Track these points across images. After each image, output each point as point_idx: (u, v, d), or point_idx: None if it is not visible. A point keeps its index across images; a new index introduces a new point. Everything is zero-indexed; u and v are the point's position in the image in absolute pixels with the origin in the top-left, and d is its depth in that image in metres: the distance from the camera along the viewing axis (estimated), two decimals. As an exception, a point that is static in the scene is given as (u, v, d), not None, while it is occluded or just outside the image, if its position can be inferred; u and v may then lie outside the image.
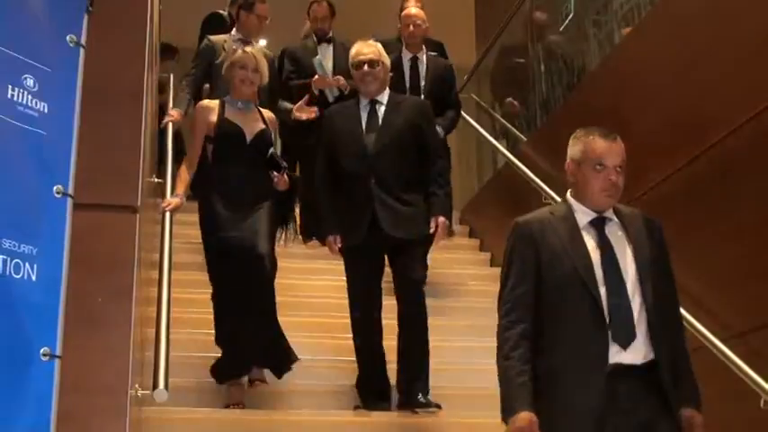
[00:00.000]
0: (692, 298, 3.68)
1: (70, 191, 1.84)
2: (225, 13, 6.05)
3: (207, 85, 4.91)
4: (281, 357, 3.84)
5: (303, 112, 4.74)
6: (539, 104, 6.02)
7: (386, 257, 3.81)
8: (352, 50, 4.04)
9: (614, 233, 2.31)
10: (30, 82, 1.79)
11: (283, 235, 3.99)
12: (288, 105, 5.01)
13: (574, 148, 2.46)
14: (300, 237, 4.94)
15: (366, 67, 3.86)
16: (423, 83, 5.09)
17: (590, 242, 2.30)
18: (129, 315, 2.04)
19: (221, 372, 3.76)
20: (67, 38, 1.90)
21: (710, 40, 3.79)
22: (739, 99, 3.51)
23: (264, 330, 3.73)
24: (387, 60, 4.04)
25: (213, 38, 5.22)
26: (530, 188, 5.05)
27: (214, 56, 4.95)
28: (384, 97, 3.94)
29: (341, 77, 5.14)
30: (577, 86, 5.49)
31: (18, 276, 1.72)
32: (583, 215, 2.37)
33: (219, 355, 3.72)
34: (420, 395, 3.59)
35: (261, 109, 4.14)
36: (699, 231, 3.76)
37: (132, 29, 2.05)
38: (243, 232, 3.61)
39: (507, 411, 2.17)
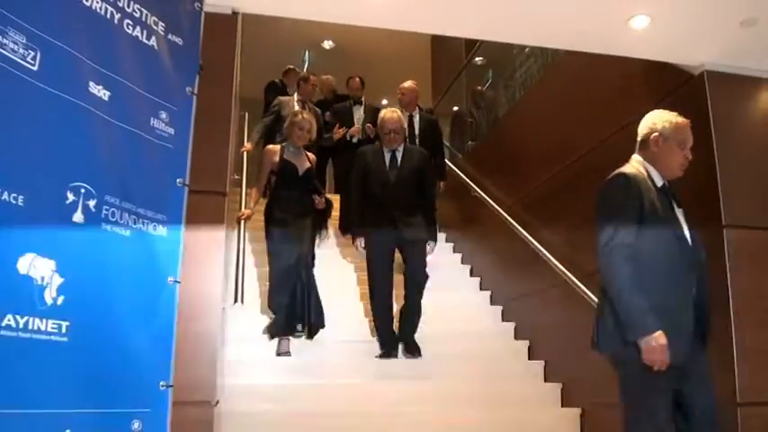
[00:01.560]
0: (560, 252, 4.76)
1: (187, 182, 2.54)
2: (278, 81, 7.96)
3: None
4: (315, 324, 4.74)
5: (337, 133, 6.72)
6: (470, 135, 7.57)
7: (395, 252, 4.92)
8: (381, 115, 5.06)
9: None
10: (164, 115, 2.46)
11: (318, 236, 5.09)
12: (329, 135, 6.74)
13: (665, 126, 2.86)
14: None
15: (392, 134, 4.97)
16: (417, 132, 6.34)
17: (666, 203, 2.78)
18: (221, 258, 2.76)
19: (273, 330, 4.68)
20: (187, 89, 2.59)
21: (571, 99, 4.90)
22: (588, 135, 4.56)
23: (304, 304, 4.69)
24: (405, 124, 5.16)
25: (282, 98, 6.66)
26: (463, 186, 6.51)
27: (281, 110, 6.34)
28: (401, 147, 5.05)
29: (370, 126, 6.45)
30: (494, 125, 6.84)
31: (155, 233, 2.40)
32: (657, 179, 2.82)
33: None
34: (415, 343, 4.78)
35: (307, 152, 5.15)
36: (564, 213, 4.84)
37: (224, 83, 2.80)
38: (292, 234, 4.76)
39: (638, 330, 2.50)
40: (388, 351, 4.78)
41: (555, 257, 4.75)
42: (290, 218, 4.87)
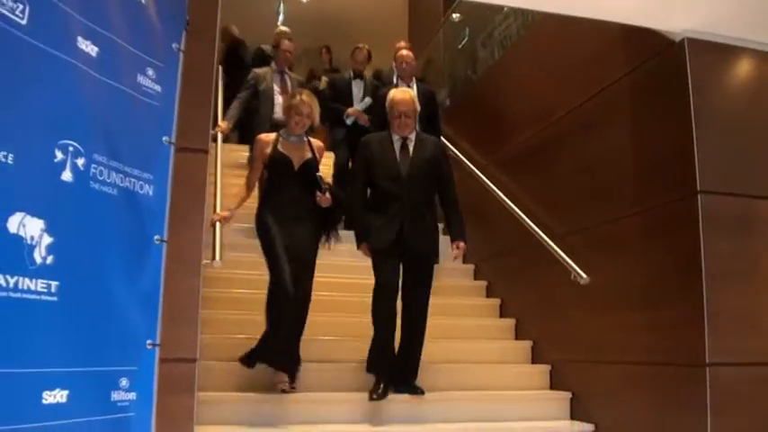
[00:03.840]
0: (535, 215, 4.84)
1: (173, 140, 2.53)
2: (268, 48, 7.24)
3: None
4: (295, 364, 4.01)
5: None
6: (447, 94, 7.31)
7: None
8: (390, 96, 4.31)
9: None
10: (151, 72, 2.43)
11: (327, 242, 4.25)
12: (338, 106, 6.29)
13: None
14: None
15: (402, 118, 4.20)
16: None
17: None
18: (203, 215, 2.72)
19: (262, 357, 3.94)
20: (173, 45, 2.56)
21: (548, 61, 4.91)
22: (565, 98, 4.60)
23: (295, 343, 3.98)
24: (418, 107, 4.34)
25: (257, 70, 6.19)
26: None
27: (258, 84, 6.00)
28: (412, 135, 4.28)
29: (366, 117, 6.08)
30: (472, 84, 6.70)
31: (142, 192, 2.39)
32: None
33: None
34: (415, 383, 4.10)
35: (311, 139, 4.31)
36: (541, 171, 4.93)
37: (208, 40, 2.70)
38: (287, 245, 3.94)
39: None
40: (383, 388, 4.04)
41: (529, 218, 4.81)
42: (284, 225, 4.05)
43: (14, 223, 1.97)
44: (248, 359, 3.97)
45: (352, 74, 6.63)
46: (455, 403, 4.15)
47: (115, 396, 2.27)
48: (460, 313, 5.02)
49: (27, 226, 2.00)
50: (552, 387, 4.56)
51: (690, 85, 3.58)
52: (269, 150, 4.17)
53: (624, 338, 3.89)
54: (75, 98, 2.17)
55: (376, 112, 5.67)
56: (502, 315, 5.26)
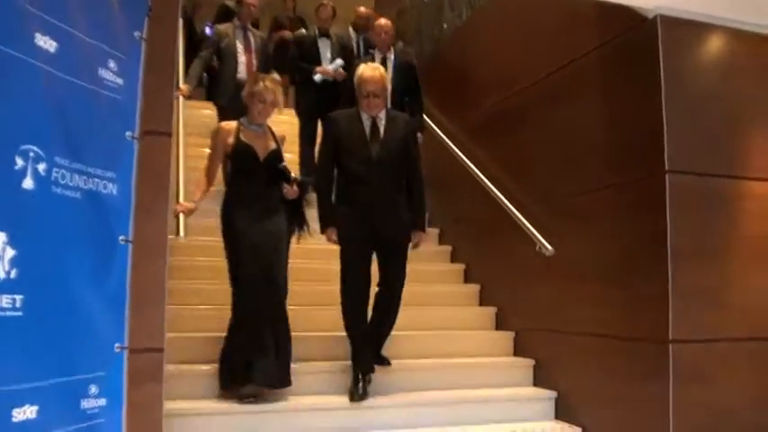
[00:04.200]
0: (502, 183, 4.84)
1: (136, 135, 2.43)
2: (232, 4, 6.67)
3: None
4: (281, 377, 3.74)
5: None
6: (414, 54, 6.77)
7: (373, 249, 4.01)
8: (359, 74, 4.06)
9: None
10: (112, 64, 2.31)
11: (298, 234, 4.02)
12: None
13: None
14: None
15: (371, 98, 3.98)
16: (390, 76, 5.24)
17: None
18: (167, 202, 2.66)
19: (222, 381, 3.74)
20: (135, 34, 2.44)
21: (518, 29, 4.85)
22: (533, 67, 4.59)
23: (267, 352, 3.67)
24: (388, 85, 4.16)
25: (219, 27, 5.96)
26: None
27: (220, 41, 5.77)
28: (383, 113, 4.07)
29: (342, 72, 5.87)
30: (439, 43, 6.65)
31: (105, 192, 2.31)
32: None
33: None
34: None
35: (272, 128, 4.04)
36: (509, 138, 4.94)
37: (170, 23, 2.59)
38: (258, 243, 3.70)
39: None
40: (363, 376, 3.97)
41: (495, 186, 4.82)
42: (253, 221, 3.79)
43: (-25, 238, 1.87)
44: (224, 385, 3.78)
45: (317, 32, 6.34)
46: (420, 372, 4.23)
47: (85, 404, 2.24)
48: (424, 279, 5.03)
49: (-12, 241, 1.91)
50: (516, 354, 4.65)
51: (661, 64, 3.58)
52: (231, 140, 3.88)
53: (589, 311, 3.95)
54: (35, 99, 2.06)
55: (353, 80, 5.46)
56: (466, 281, 5.30)
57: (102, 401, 2.27)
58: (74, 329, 2.20)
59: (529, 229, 4.31)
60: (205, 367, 3.83)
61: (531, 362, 4.47)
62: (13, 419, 1.97)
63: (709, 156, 3.60)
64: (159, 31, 2.55)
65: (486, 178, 4.90)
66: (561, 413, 4.18)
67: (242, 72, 5.81)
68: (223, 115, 5.53)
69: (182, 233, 3.63)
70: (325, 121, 4.30)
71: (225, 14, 6.93)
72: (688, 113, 3.56)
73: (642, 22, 3.66)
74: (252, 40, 6.01)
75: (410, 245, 4.11)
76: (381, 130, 4.07)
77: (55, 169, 2.13)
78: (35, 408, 2.03)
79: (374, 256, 4.08)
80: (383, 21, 5.81)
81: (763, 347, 3.56)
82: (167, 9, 2.60)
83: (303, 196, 4.01)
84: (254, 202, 3.83)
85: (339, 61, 6.02)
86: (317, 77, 5.97)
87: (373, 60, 5.40)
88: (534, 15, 4.65)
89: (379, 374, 4.07)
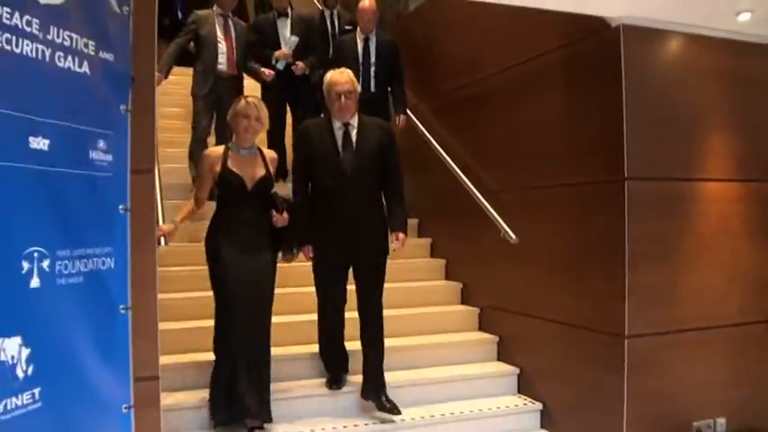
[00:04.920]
0: (469, 167, 5.04)
1: (128, 206, 2.52)
2: None
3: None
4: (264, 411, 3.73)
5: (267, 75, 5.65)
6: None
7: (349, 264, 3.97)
8: (327, 79, 3.95)
9: None
10: (101, 144, 2.38)
11: (285, 258, 3.91)
12: (257, 67, 5.77)
13: None
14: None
15: (343, 99, 3.84)
16: (373, 59, 5.46)
17: None
18: (153, 236, 2.77)
19: (213, 416, 3.72)
20: (121, 107, 2.49)
21: (486, 8, 4.54)
22: (498, 57, 4.74)
23: (248, 386, 3.66)
24: (358, 88, 3.98)
25: (199, 12, 5.71)
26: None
27: (199, 28, 5.59)
28: (354, 120, 3.92)
29: (300, 64, 5.76)
30: (401, 17, 6.65)
31: (104, 267, 2.43)
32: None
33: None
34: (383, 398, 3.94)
35: (263, 150, 3.93)
36: (476, 124, 5.08)
37: (145, 59, 2.64)
38: (244, 277, 3.65)
39: None
40: (337, 376, 4.18)
41: (463, 171, 5.01)
42: (240, 253, 3.73)
43: (-5, 351, 2.03)
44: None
45: (276, 13, 6.12)
46: (389, 351, 4.34)
47: (98, 466, 2.43)
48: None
49: (6, 349, 2.07)
50: (481, 329, 4.96)
51: (623, 72, 3.75)
52: (218, 168, 3.77)
53: (551, 298, 4.27)
54: (33, 202, 2.16)
55: (335, 63, 5.27)
56: (433, 255, 5.53)
57: (114, 459, 2.48)
58: (85, 401, 2.38)
59: (495, 217, 4.52)
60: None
61: (495, 338, 4.75)
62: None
63: (667, 160, 3.83)
64: (140, 81, 2.62)
65: (453, 161, 5.06)
66: (523, 389, 4.53)
67: (222, 63, 5.71)
68: (198, 106, 5.58)
69: (162, 243, 3.71)
70: (297, 134, 4.20)
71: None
72: (647, 120, 3.76)
73: (606, 29, 3.80)
74: (232, 28, 5.82)
75: (391, 247, 4.03)
76: (354, 138, 3.95)
77: (58, 262, 2.25)
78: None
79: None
80: (367, 3, 5.66)
81: (709, 337, 3.93)
82: (143, 42, 2.65)
83: (293, 219, 3.87)
84: (242, 232, 3.75)
85: (293, 38, 5.86)
86: (280, 65, 5.82)
87: (354, 39, 5.52)
88: (502, 12, 4.66)
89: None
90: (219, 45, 5.69)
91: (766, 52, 4.13)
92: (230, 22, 5.80)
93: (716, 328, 3.98)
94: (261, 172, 3.83)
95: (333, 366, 4.19)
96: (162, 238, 3.59)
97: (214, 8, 5.75)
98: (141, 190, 2.72)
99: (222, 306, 3.73)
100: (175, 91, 6.31)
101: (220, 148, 3.89)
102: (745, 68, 4.03)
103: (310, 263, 4.05)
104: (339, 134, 3.95)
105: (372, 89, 5.47)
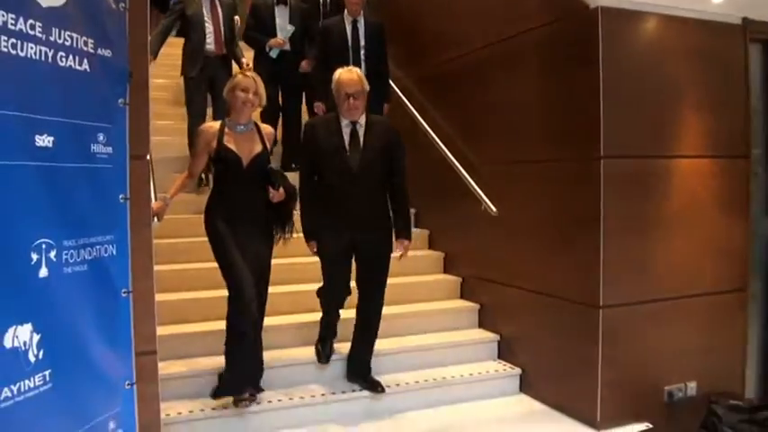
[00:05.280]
0: (452, 140, 5.23)
1: (128, 195, 2.65)
2: None
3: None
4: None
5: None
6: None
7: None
8: (336, 77, 3.99)
9: None
10: (102, 137, 2.49)
11: (283, 237, 3.99)
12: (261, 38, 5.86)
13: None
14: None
15: (351, 100, 3.88)
16: (363, 43, 5.45)
17: None
18: (149, 219, 2.92)
19: (229, 390, 3.82)
20: (119, 101, 2.60)
21: None
22: (484, 30, 4.86)
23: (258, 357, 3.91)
24: (366, 87, 4.00)
25: None
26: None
27: (186, 9, 5.64)
28: (362, 119, 3.98)
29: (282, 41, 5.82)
30: None
31: (107, 255, 2.57)
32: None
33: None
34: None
35: (259, 126, 3.91)
36: (459, 98, 5.25)
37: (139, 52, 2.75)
38: (243, 254, 3.72)
39: None
40: (329, 336, 4.37)
41: (446, 144, 5.20)
42: (235, 224, 3.80)
43: (9, 338, 2.18)
44: (217, 393, 3.92)
45: (275, 0, 6.10)
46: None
47: (107, 440, 2.62)
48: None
49: (19, 336, 2.22)
50: (462, 297, 5.18)
51: (600, 54, 3.89)
52: (214, 144, 3.79)
53: (529, 269, 4.49)
54: (40, 197, 2.28)
55: (321, 48, 5.49)
56: (417, 225, 5.71)
57: (120, 432, 2.67)
58: (92, 380, 2.54)
59: (476, 189, 4.70)
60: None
61: (476, 306, 4.97)
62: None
63: (641, 138, 4.01)
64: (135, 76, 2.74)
65: (436, 135, 5.19)
66: (503, 355, 4.76)
67: (210, 43, 5.74)
68: (190, 88, 5.65)
69: (155, 220, 3.83)
70: (305, 129, 4.23)
71: None
72: (623, 99, 3.94)
73: (584, 10, 3.92)
74: (219, 9, 5.83)
75: (394, 254, 4.12)
76: (361, 137, 3.99)
77: (64, 252, 2.39)
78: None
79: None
80: None
81: (681, 306, 4.19)
82: (137, 36, 2.76)
83: (291, 200, 3.94)
84: (240, 211, 3.79)
85: (290, 27, 5.91)
86: (273, 53, 5.90)
87: (342, 23, 5.49)
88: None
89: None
90: (207, 25, 5.70)
91: (738, 33, 4.29)
92: (216, 2, 5.81)
93: (688, 297, 4.22)
94: (257, 148, 3.86)
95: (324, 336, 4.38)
96: (155, 217, 3.64)
97: None
98: (137, 176, 2.84)
99: (231, 279, 3.78)
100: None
101: (216, 124, 3.89)
102: (718, 48, 4.21)
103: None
104: (346, 132, 4.00)
105: (363, 72, 5.35)
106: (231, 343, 3.79)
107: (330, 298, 4.24)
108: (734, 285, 4.45)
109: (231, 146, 3.79)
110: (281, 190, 3.82)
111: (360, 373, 4.25)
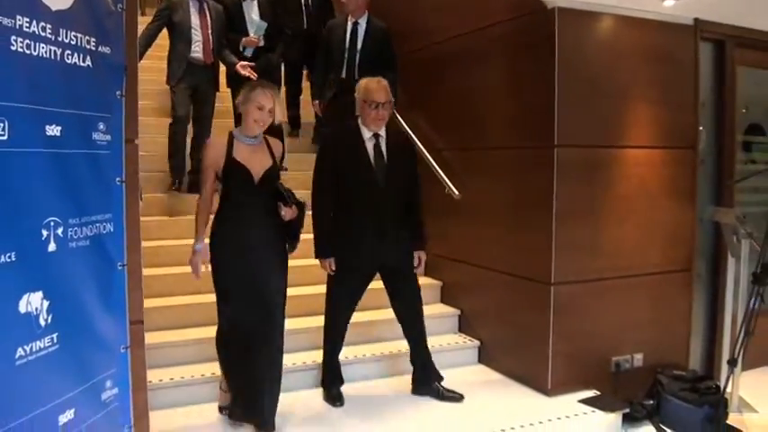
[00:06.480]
0: (418, 127, 5.54)
1: (124, 178, 2.97)
2: None
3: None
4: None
5: (245, 70, 5.55)
6: None
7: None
8: (363, 86, 4.00)
9: None
10: (102, 126, 2.80)
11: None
12: (233, 59, 5.73)
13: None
14: None
15: (380, 110, 3.89)
16: (359, 46, 5.53)
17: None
18: (137, 204, 3.23)
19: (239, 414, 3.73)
20: (117, 93, 2.92)
21: None
22: (451, 22, 5.23)
23: (263, 390, 3.61)
24: (392, 98, 4.04)
25: None
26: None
27: (172, 14, 5.45)
28: (383, 131, 3.99)
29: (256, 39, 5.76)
30: None
31: (105, 232, 2.88)
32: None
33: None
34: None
35: (268, 138, 3.74)
36: (422, 85, 5.62)
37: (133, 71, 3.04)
38: (251, 275, 3.56)
39: None
40: (336, 390, 4.30)
41: (407, 123, 5.58)
42: (247, 248, 3.60)
43: (23, 304, 2.54)
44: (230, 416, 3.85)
45: None
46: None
47: (104, 396, 2.99)
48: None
49: (32, 302, 2.57)
50: (426, 275, 5.55)
51: (556, 51, 4.28)
52: (222, 159, 3.61)
53: (487, 249, 4.92)
54: (50, 181, 2.61)
55: (323, 43, 5.58)
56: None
57: (115, 391, 3.03)
58: (92, 343, 2.90)
59: (439, 173, 5.08)
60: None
61: (439, 283, 5.38)
62: (60, 423, 2.73)
63: (593, 129, 4.43)
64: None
65: (403, 119, 5.57)
66: (463, 328, 5.20)
67: (197, 51, 5.58)
68: (175, 97, 5.58)
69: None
70: (323, 139, 4.18)
71: None
72: (577, 93, 4.35)
73: (543, 10, 4.29)
74: (207, 13, 5.65)
75: (415, 266, 4.22)
76: (384, 151, 4.01)
77: (70, 229, 2.74)
78: (73, 410, 2.78)
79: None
80: None
81: (629, 284, 4.64)
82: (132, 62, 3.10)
83: (301, 217, 3.76)
84: (251, 232, 3.61)
85: (261, 23, 5.87)
86: (248, 51, 5.85)
87: (344, 24, 5.59)
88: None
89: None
90: (194, 32, 5.56)
91: (690, 32, 4.71)
92: (206, 7, 5.63)
93: (635, 276, 4.67)
94: (268, 162, 3.68)
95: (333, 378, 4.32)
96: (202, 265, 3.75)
97: None
98: (129, 158, 3.18)
99: (222, 304, 3.71)
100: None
101: (224, 137, 3.72)
102: (667, 47, 4.60)
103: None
104: (370, 145, 4.01)
105: (356, 77, 5.39)
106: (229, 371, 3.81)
107: (335, 326, 4.22)
108: (680, 266, 4.90)
109: (242, 160, 3.61)
110: (294, 207, 3.65)
111: (427, 380, 4.37)
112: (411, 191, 4.11)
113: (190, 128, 5.72)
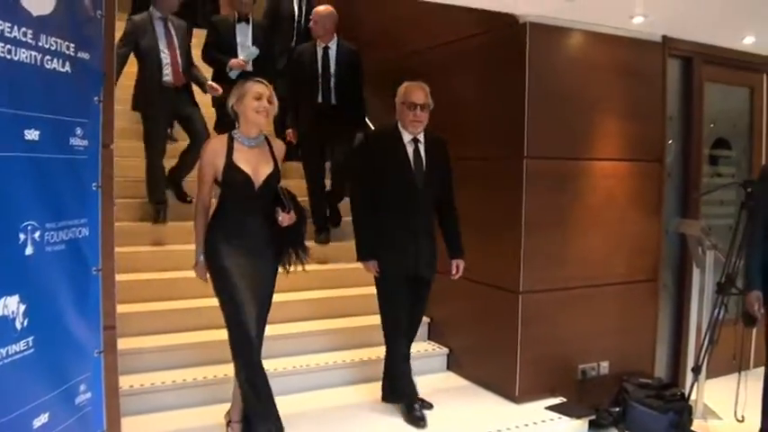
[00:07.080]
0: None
1: (100, 184, 3.02)
2: None
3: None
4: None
5: (213, 89, 5.51)
6: None
7: None
8: (403, 89, 4.05)
9: None
10: (79, 131, 2.84)
11: (295, 263, 3.66)
12: (202, 78, 5.65)
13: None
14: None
15: (419, 111, 3.94)
16: (333, 70, 5.55)
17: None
18: (112, 205, 3.56)
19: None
20: (95, 98, 2.96)
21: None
22: (423, 34, 5.37)
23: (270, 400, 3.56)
24: (431, 102, 4.07)
25: (136, 18, 5.34)
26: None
27: (139, 38, 5.25)
28: (422, 135, 4.04)
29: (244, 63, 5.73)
30: None
31: (81, 236, 2.92)
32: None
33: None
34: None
35: (270, 139, 3.62)
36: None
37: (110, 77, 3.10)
38: (249, 284, 3.45)
39: None
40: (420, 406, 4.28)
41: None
42: (243, 260, 3.49)
43: (0, 307, 2.60)
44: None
45: (236, 16, 6.01)
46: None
47: (77, 400, 3.03)
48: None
49: (8, 305, 2.61)
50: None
51: (527, 66, 4.38)
52: (221, 162, 3.46)
53: (460, 258, 4.93)
54: (28, 185, 2.64)
55: (292, 70, 5.57)
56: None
57: (89, 395, 3.07)
58: (67, 347, 2.94)
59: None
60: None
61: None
62: (34, 426, 2.77)
63: (562, 142, 4.54)
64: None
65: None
66: (433, 336, 5.31)
67: (168, 75, 5.44)
68: (149, 127, 5.42)
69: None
70: (363, 139, 4.30)
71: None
72: (547, 106, 4.47)
73: (515, 24, 4.41)
74: (173, 32, 5.51)
75: (453, 274, 4.29)
76: (423, 154, 4.07)
77: (46, 233, 2.77)
78: (47, 414, 2.82)
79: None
80: (321, 8, 5.69)
81: (595, 293, 4.77)
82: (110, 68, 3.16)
83: (303, 224, 3.67)
84: (248, 238, 3.52)
85: (254, 49, 5.86)
86: (233, 74, 5.80)
87: (314, 49, 5.62)
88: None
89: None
90: (163, 56, 5.42)
91: (658, 49, 4.87)
92: (171, 27, 5.50)
93: (601, 286, 4.80)
94: (269, 166, 3.55)
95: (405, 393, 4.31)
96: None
97: (151, 9, 5.47)
98: (104, 162, 3.23)
99: (231, 318, 3.54)
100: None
101: (223, 138, 3.56)
102: (636, 63, 4.76)
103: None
104: (410, 149, 4.05)
105: (333, 101, 5.62)
106: (250, 401, 3.58)
107: (395, 322, 4.22)
108: (646, 276, 5.06)
109: (241, 164, 3.48)
110: (292, 213, 3.53)
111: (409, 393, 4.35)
112: (448, 197, 4.19)
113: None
